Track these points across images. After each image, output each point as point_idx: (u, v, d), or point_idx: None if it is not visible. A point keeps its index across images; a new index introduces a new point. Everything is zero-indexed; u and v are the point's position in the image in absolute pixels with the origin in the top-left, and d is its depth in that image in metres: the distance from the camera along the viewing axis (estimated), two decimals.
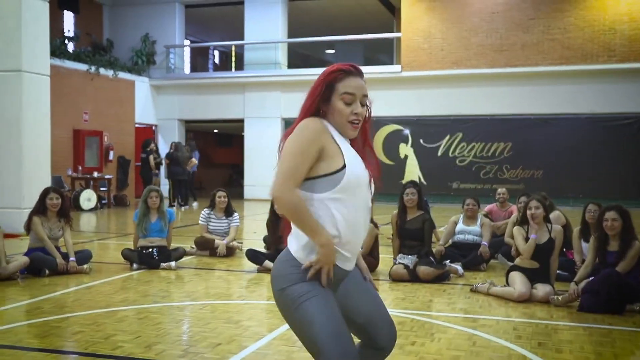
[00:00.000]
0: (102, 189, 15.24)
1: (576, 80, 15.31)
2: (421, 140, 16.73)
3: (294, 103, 17.33)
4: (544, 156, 15.55)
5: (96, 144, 16.05)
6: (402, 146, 16.85)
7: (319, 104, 2.32)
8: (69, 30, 17.59)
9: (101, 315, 4.88)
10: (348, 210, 2.28)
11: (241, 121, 18.17)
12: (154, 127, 18.65)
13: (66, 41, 16.28)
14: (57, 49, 14.69)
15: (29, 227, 6.53)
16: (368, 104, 2.38)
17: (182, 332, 4.48)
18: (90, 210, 13.94)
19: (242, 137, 18.64)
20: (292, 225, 2.32)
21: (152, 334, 4.36)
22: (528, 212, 5.61)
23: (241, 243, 7.96)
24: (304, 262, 2.27)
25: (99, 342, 4.15)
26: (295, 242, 2.32)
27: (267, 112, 17.69)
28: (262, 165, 17.36)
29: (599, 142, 15.25)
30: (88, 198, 14.08)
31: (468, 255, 6.97)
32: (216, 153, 25.48)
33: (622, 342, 4.25)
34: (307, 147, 2.24)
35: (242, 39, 18.49)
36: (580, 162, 15.28)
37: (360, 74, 2.36)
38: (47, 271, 6.37)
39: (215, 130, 24.74)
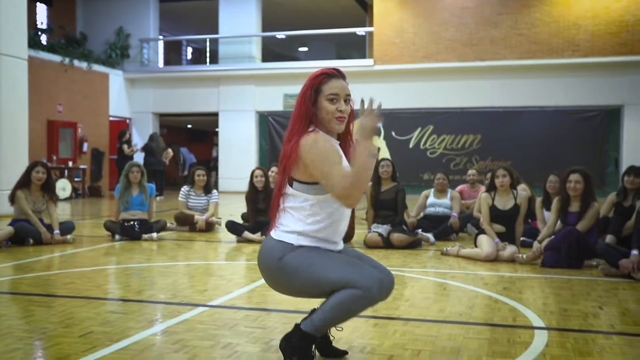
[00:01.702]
0: (76, 179, 15.28)
1: (542, 74, 15.82)
2: (393, 133, 17.07)
3: (268, 96, 17.68)
4: (512, 147, 16.01)
5: (70, 136, 16.06)
6: (374, 139, 17.13)
7: (311, 107, 2.65)
8: (42, 23, 17.59)
9: (89, 271, 5.07)
10: (339, 204, 2.64)
11: (215, 114, 18.34)
12: (128, 120, 18.70)
13: (39, 33, 16.27)
14: (31, 40, 14.70)
15: (12, 199, 6.67)
16: (351, 102, 2.71)
17: (170, 283, 4.69)
18: (65, 199, 13.99)
19: (215, 133, 18.80)
20: (285, 214, 2.70)
21: (141, 284, 4.58)
22: (496, 180, 5.95)
23: (220, 219, 8.18)
24: (294, 242, 2.64)
25: (91, 289, 4.36)
26: (287, 231, 2.67)
27: (241, 106, 17.88)
28: (237, 157, 17.59)
29: (565, 133, 15.76)
30: (63, 187, 14.11)
31: (439, 227, 7.30)
32: (189, 149, 25.50)
33: (579, 287, 4.60)
34: (330, 148, 2.57)
35: (217, 34, 18.66)
36: (546, 153, 15.76)
37: (342, 76, 2.71)
38: (31, 240, 6.51)
39: (189, 126, 24.80)
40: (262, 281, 4.62)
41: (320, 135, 2.60)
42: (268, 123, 17.71)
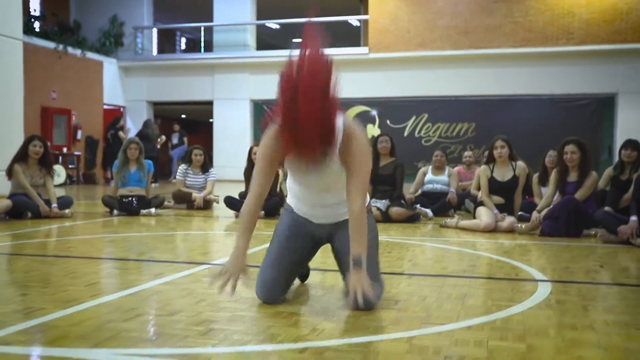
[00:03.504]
0: (70, 166, 15.22)
1: (537, 62, 15.87)
2: (388, 121, 17.10)
3: (263, 85, 17.65)
4: (507, 135, 15.93)
5: (64, 123, 15.99)
6: (369, 127, 17.19)
7: None
8: (35, 10, 17.48)
9: (90, 238, 5.06)
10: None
11: (210, 103, 18.30)
12: (122, 109, 18.64)
13: (32, 20, 16.17)
14: (24, 27, 14.59)
15: (10, 173, 6.63)
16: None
17: (171, 247, 4.70)
18: (60, 185, 13.92)
19: (209, 124, 18.76)
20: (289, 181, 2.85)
21: (143, 248, 4.58)
22: (494, 151, 5.98)
23: (217, 196, 8.17)
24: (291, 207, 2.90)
25: (93, 251, 4.36)
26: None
27: (236, 94, 17.86)
28: (231, 146, 17.56)
29: (559, 122, 15.82)
30: (57, 173, 13.97)
31: (436, 203, 7.33)
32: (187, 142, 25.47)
33: (578, 251, 4.63)
34: None
35: (211, 22, 18.61)
36: (541, 141, 15.74)
37: None
38: (29, 214, 6.49)
39: (183, 116, 24.74)
40: (263, 246, 4.63)
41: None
42: (263, 111, 17.69)
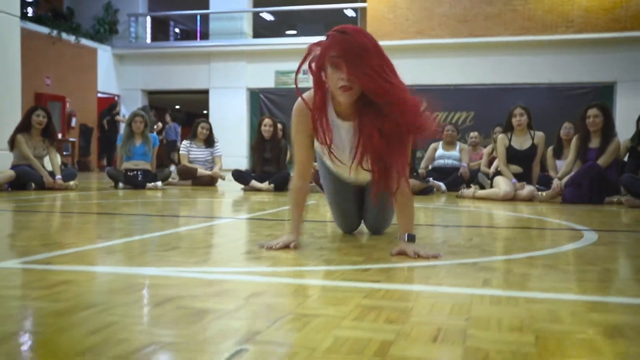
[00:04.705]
0: (65, 153, 14.96)
1: (536, 51, 15.79)
2: None
3: (259, 73, 17.47)
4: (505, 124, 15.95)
5: (58, 109, 15.71)
6: None
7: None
8: None
9: (99, 202, 4.88)
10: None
11: (206, 92, 18.08)
12: (116, 97, 18.38)
13: (25, 5, 15.91)
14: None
15: (12, 143, 6.44)
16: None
17: (187, 207, 4.53)
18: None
19: (205, 116, 18.52)
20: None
21: (156, 208, 4.41)
22: (513, 119, 5.85)
23: (224, 173, 8.00)
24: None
25: (106, 207, 4.18)
26: None
27: (232, 82, 17.65)
28: (227, 134, 17.31)
29: (557, 110, 15.67)
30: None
31: (448, 178, 7.20)
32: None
33: (607, 213, 4.51)
34: None
35: (207, 10, 18.41)
36: (539, 130, 15.72)
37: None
38: (33, 185, 6.30)
39: (177, 107, 24.49)
40: (280, 209, 4.48)
41: None
42: (260, 100, 17.50)
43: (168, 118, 18.03)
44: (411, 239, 2.29)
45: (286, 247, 2.29)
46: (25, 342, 1.11)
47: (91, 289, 1.57)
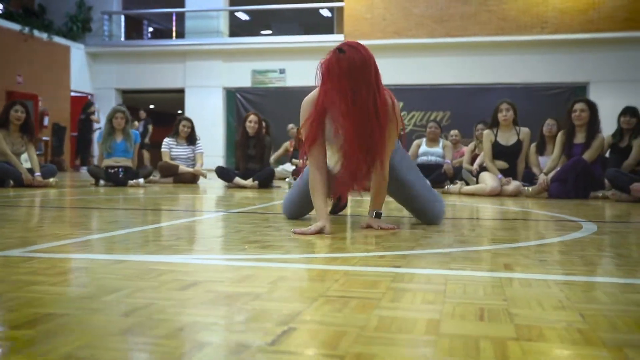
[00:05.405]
0: (37, 152, 14.65)
1: (511, 51, 15.96)
2: None
3: (236, 72, 17.34)
4: (481, 124, 16.08)
5: (30, 108, 15.29)
6: None
7: None
8: None
9: (81, 198, 4.78)
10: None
11: (182, 91, 17.90)
12: (90, 97, 18.09)
13: None
14: None
15: None
16: None
17: (174, 203, 4.46)
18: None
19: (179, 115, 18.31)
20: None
21: (144, 203, 4.32)
22: (499, 114, 5.88)
23: (206, 171, 7.91)
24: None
25: (90, 203, 4.08)
26: None
27: (208, 82, 17.50)
28: (204, 134, 17.11)
29: (532, 110, 15.84)
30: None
31: (432, 175, 7.21)
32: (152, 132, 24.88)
33: (590, 209, 4.55)
34: None
35: (182, 8, 18.22)
36: None
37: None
38: (11, 182, 6.15)
39: (152, 106, 24.19)
40: (270, 204, 4.43)
41: None
42: (236, 100, 17.38)
43: (143, 114, 17.80)
44: (378, 215, 2.72)
45: (318, 232, 2.42)
46: (61, 322, 1.05)
47: (108, 275, 1.51)
